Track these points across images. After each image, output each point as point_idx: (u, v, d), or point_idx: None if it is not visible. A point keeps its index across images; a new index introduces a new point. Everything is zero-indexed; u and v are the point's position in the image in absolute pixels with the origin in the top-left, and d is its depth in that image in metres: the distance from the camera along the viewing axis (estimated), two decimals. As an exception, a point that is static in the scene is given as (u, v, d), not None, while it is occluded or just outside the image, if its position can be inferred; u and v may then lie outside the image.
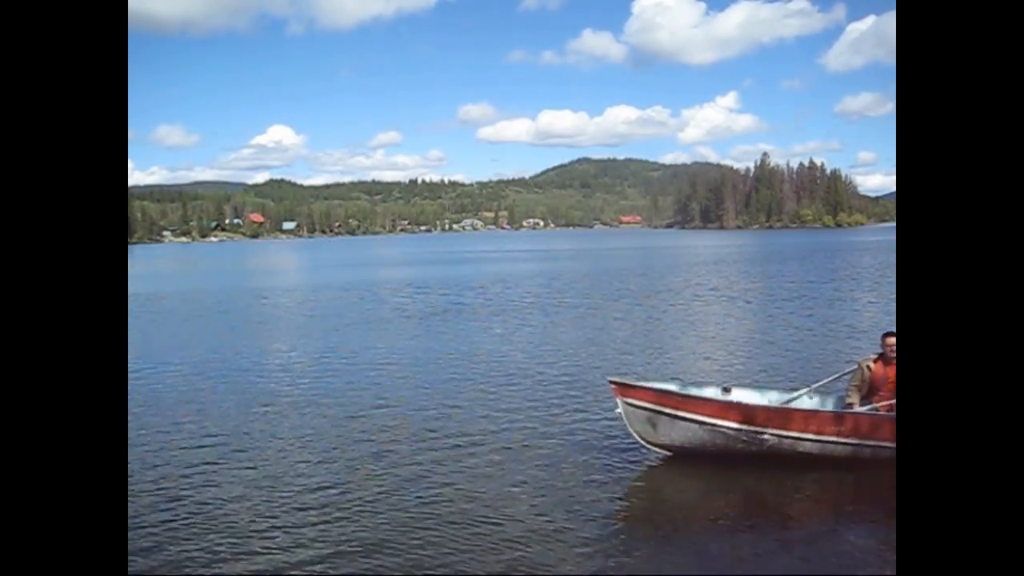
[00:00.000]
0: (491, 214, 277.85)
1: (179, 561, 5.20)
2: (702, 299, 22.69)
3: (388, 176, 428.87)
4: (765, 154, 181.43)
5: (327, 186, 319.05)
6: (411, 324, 18.21)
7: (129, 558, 5.03)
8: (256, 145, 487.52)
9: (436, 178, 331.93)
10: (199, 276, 43.95)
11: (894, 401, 6.74)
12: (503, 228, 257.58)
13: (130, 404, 9.02)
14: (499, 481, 6.60)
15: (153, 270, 51.96)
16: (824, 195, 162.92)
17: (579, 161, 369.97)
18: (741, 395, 7.58)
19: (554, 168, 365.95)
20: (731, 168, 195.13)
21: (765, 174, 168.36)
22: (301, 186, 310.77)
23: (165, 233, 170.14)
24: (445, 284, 31.27)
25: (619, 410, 6.98)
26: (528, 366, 12.11)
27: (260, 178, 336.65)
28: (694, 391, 7.33)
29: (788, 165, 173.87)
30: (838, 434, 6.62)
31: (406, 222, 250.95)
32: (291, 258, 71.87)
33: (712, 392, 7.56)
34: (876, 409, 6.87)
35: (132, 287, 22.88)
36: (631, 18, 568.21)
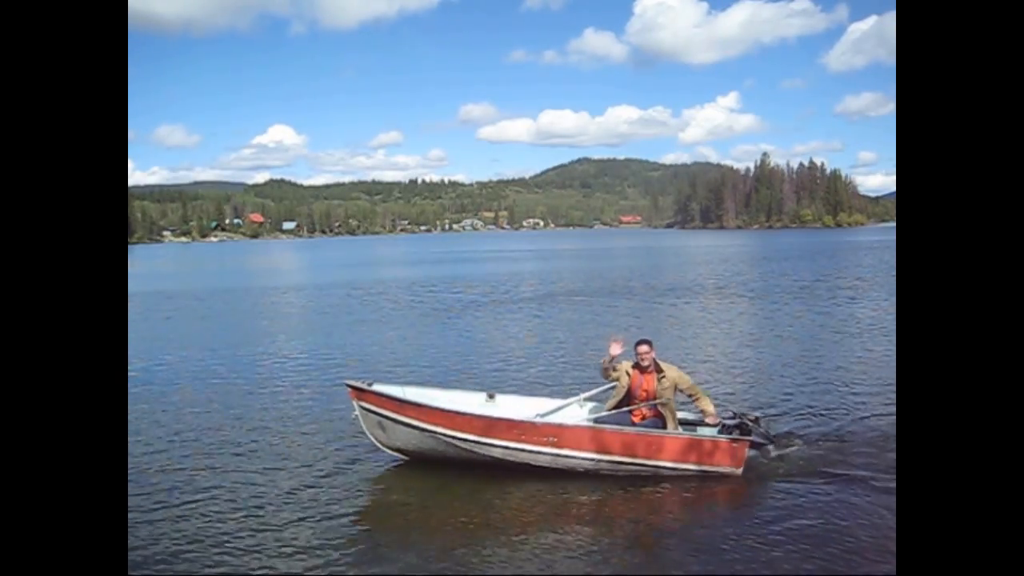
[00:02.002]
0: (491, 214, 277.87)
1: (179, 561, 5.20)
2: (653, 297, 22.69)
3: (388, 176, 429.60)
4: (765, 154, 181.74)
5: (327, 186, 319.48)
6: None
7: (129, 558, 5.03)
8: (257, 145, 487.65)
9: (436, 178, 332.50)
10: (199, 276, 43.92)
11: (649, 405, 6.83)
12: (503, 228, 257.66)
13: (130, 404, 9.02)
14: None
15: (153, 270, 51.95)
16: (824, 195, 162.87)
17: (579, 161, 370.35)
18: (504, 402, 7.60)
19: (554, 168, 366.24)
20: (731, 168, 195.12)
21: (765, 174, 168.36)
22: (301, 186, 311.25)
23: (165, 233, 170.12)
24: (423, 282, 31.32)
25: (356, 413, 7.02)
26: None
27: (260, 178, 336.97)
28: (428, 397, 7.25)
29: (788, 165, 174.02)
30: (544, 444, 6.55)
31: (406, 222, 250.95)
32: (292, 258, 71.89)
33: (474, 398, 7.59)
34: (632, 413, 6.91)
35: (132, 287, 22.84)
36: (633, 18, 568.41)
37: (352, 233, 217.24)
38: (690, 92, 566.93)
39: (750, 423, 6.90)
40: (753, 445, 6.81)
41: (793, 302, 21.20)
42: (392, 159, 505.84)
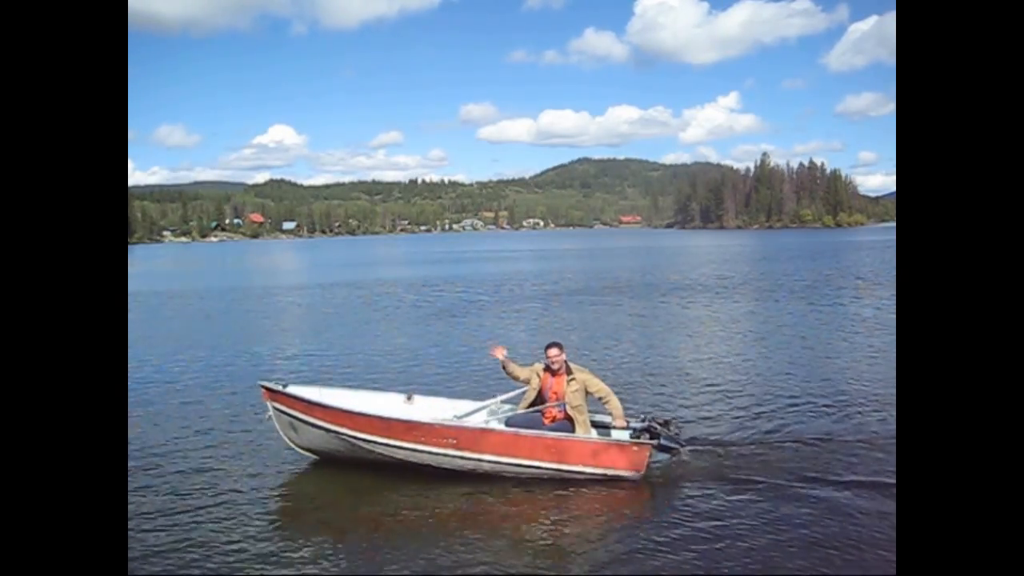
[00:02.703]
0: (491, 214, 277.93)
1: (179, 561, 5.20)
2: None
3: (389, 176, 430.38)
4: (765, 154, 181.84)
5: (327, 186, 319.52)
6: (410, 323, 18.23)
7: (129, 559, 5.03)
8: (257, 145, 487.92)
9: (436, 178, 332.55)
10: (199, 276, 43.92)
11: (559, 407, 6.86)
12: (503, 228, 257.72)
13: (130, 404, 9.01)
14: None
15: (153, 270, 51.97)
16: (824, 195, 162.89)
17: (579, 161, 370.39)
18: (422, 404, 7.66)
19: (554, 168, 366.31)
20: (731, 168, 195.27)
21: (765, 174, 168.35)
22: (301, 186, 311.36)
23: (165, 233, 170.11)
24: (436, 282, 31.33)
25: (269, 414, 7.08)
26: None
27: (260, 178, 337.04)
28: (341, 398, 7.29)
29: (788, 165, 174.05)
30: (444, 446, 6.59)
31: (406, 222, 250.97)
32: (294, 258, 71.92)
33: (393, 399, 7.67)
34: (543, 414, 6.93)
35: (132, 287, 22.85)
36: (634, 18, 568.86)
37: (352, 233, 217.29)
38: (691, 92, 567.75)
39: (659, 427, 6.91)
40: (664, 449, 6.86)
41: (783, 301, 21.21)
42: (392, 159, 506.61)
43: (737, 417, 8.66)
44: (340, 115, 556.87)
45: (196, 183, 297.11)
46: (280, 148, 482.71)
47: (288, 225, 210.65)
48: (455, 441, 6.57)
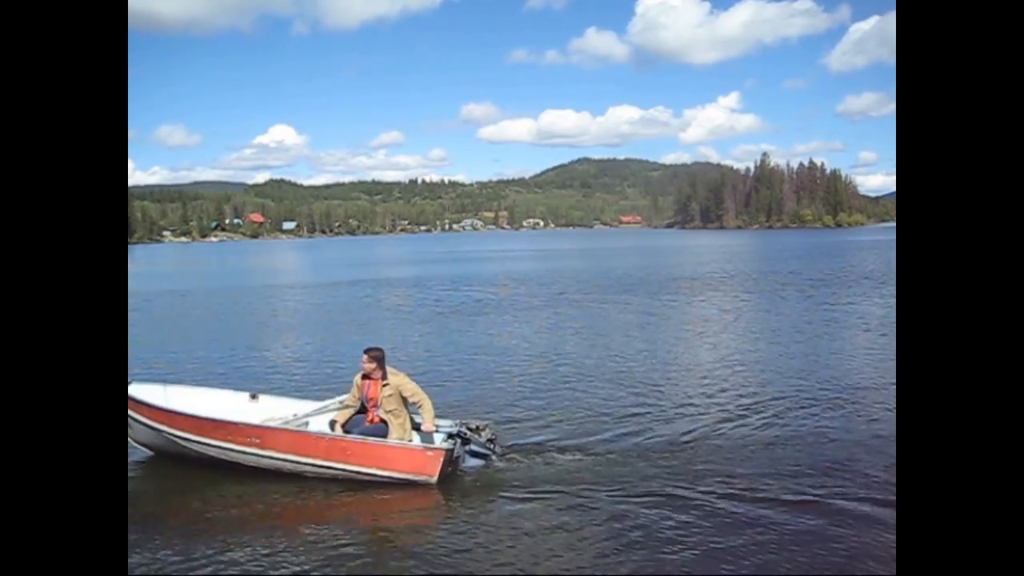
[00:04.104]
0: (491, 214, 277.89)
1: (179, 561, 5.20)
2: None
3: (390, 176, 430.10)
4: (765, 154, 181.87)
5: (327, 186, 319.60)
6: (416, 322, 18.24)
7: (129, 558, 5.03)
8: (258, 145, 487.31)
9: (436, 178, 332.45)
10: (199, 276, 43.93)
11: (377, 412, 6.94)
12: (503, 228, 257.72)
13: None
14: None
15: (153, 270, 51.97)
16: (824, 195, 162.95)
17: (579, 161, 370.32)
18: (266, 403, 7.81)
19: (554, 168, 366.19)
20: (731, 168, 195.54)
21: (765, 174, 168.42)
22: (301, 186, 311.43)
23: (165, 233, 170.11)
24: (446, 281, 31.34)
25: None
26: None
27: (260, 178, 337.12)
28: (177, 396, 7.45)
29: (788, 165, 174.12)
30: (248, 444, 6.72)
31: (406, 222, 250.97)
32: (295, 258, 71.96)
33: (237, 398, 7.80)
34: (366, 417, 7.00)
35: (132, 286, 22.84)
36: (635, 18, 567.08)
37: (352, 233, 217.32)
38: (691, 92, 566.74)
39: (470, 432, 7.00)
40: (476, 455, 7.00)
41: (759, 298, 21.21)
42: (393, 159, 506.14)
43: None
44: (341, 115, 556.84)
45: (196, 183, 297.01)
46: (280, 148, 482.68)
47: (288, 225, 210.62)
48: (258, 441, 6.73)
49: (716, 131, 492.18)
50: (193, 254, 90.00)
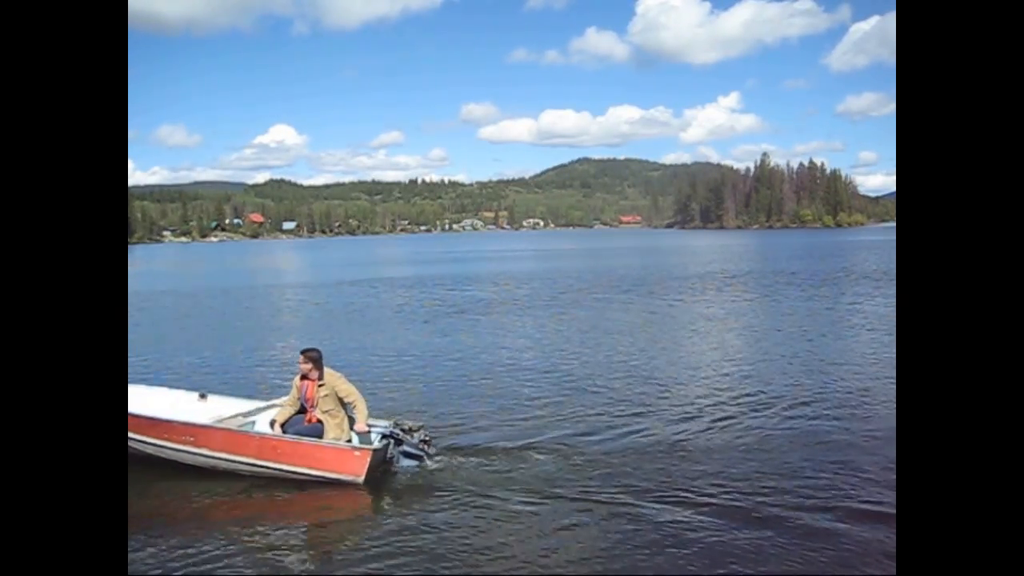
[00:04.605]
0: (491, 214, 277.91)
1: (179, 561, 5.20)
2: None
3: (390, 176, 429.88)
4: (765, 154, 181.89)
5: (327, 186, 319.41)
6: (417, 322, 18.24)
7: (129, 558, 5.03)
8: (258, 145, 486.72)
9: (436, 178, 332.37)
10: (199, 276, 43.93)
11: (316, 411, 6.99)
12: (503, 228, 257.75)
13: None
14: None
15: (153, 270, 51.98)
16: (824, 195, 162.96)
17: (579, 161, 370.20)
18: (214, 402, 7.92)
19: (554, 168, 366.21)
20: (731, 168, 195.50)
21: (765, 174, 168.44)
22: (301, 186, 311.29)
23: (165, 233, 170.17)
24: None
25: None
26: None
27: (260, 178, 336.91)
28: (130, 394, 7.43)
29: (788, 165, 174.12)
30: (183, 443, 6.81)
31: (406, 222, 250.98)
32: (297, 258, 72.00)
33: (185, 397, 7.91)
34: (305, 417, 7.05)
35: (132, 286, 22.85)
36: (635, 18, 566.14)
37: (352, 233, 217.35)
38: (692, 92, 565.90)
39: (402, 433, 7.07)
40: (409, 456, 7.05)
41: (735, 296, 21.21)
42: (393, 159, 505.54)
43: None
44: (341, 115, 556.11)
45: (196, 183, 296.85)
46: (281, 148, 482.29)
47: (288, 225, 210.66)
48: (192, 439, 6.80)
49: (716, 131, 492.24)
50: (192, 254, 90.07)
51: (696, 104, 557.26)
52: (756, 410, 9.03)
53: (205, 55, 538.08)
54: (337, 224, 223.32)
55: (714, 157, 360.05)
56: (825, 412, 8.90)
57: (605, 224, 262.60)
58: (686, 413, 8.98)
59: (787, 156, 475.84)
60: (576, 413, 9.08)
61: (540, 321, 18.36)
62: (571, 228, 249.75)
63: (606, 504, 6.12)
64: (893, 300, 19.04)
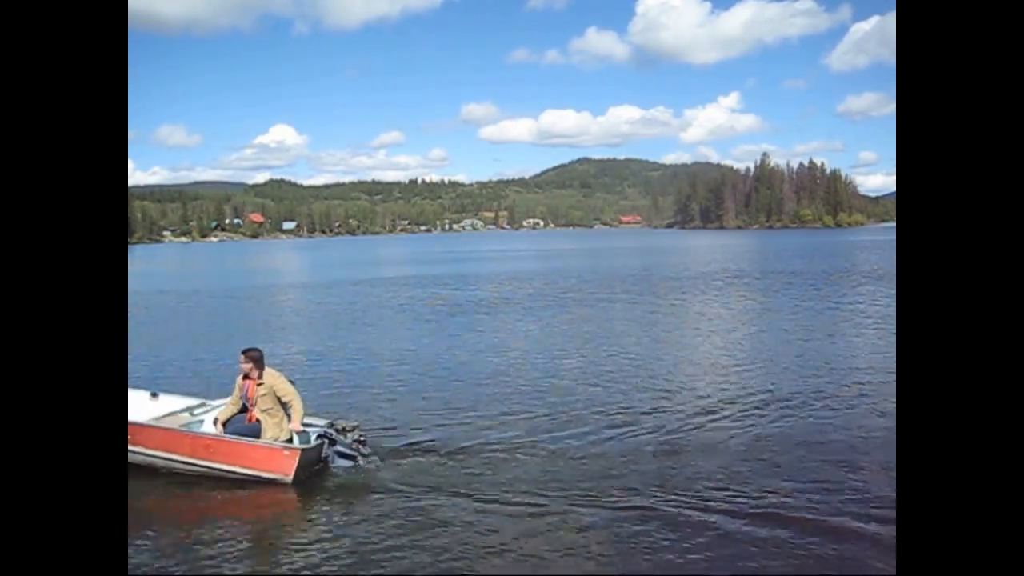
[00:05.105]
0: (491, 214, 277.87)
1: (179, 561, 5.20)
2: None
3: (390, 176, 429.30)
4: (765, 154, 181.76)
5: (327, 186, 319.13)
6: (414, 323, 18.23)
7: (129, 558, 5.03)
8: (258, 145, 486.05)
9: (436, 178, 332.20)
10: (199, 276, 43.94)
11: (254, 413, 7.07)
12: (503, 228, 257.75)
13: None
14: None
15: (153, 270, 51.99)
16: (824, 195, 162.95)
17: (579, 161, 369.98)
18: (166, 401, 8.02)
19: (554, 168, 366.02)
20: (731, 168, 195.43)
21: (765, 174, 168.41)
22: (301, 186, 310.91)
23: (165, 233, 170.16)
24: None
25: None
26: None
27: (260, 178, 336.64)
28: None
29: (788, 165, 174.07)
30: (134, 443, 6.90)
31: (406, 222, 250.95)
32: (298, 258, 71.97)
33: (138, 396, 7.91)
34: (247, 415, 7.13)
35: (132, 286, 22.85)
36: (635, 18, 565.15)
37: (352, 233, 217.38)
38: (692, 92, 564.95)
39: (336, 433, 7.19)
40: (343, 456, 7.15)
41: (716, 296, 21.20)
42: (393, 159, 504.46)
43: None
44: (341, 115, 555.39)
45: (196, 183, 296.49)
46: (281, 148, 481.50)
47: (288, 225, 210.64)
48: (129, 437, 6.81)
49: (716, 131, 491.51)
50: (192, 254, 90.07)
51: (696, 104, 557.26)
52: (752, 409, 9.03)
53: (205, 55, 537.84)
54: (337, 224, 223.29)
55: (714, 157, 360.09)
56: (825, 411, 8.90)
57: (605, 224, 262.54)
58: (618, 421, 8.81)
59: (787, 156, 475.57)
60: (530, 414, 9.07)
61: (523, 322, 18.37)
62: (571, 228, 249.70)
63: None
64: (893, 300, 19.04)
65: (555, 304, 22.17)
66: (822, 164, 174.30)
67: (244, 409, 7.22)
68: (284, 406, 7.11)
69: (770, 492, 6.31)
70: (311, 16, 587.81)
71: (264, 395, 7.08)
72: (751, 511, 5.92)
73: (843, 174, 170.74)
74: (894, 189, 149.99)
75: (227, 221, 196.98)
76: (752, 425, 8.39)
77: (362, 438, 7.28)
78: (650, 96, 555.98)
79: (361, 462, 7.11)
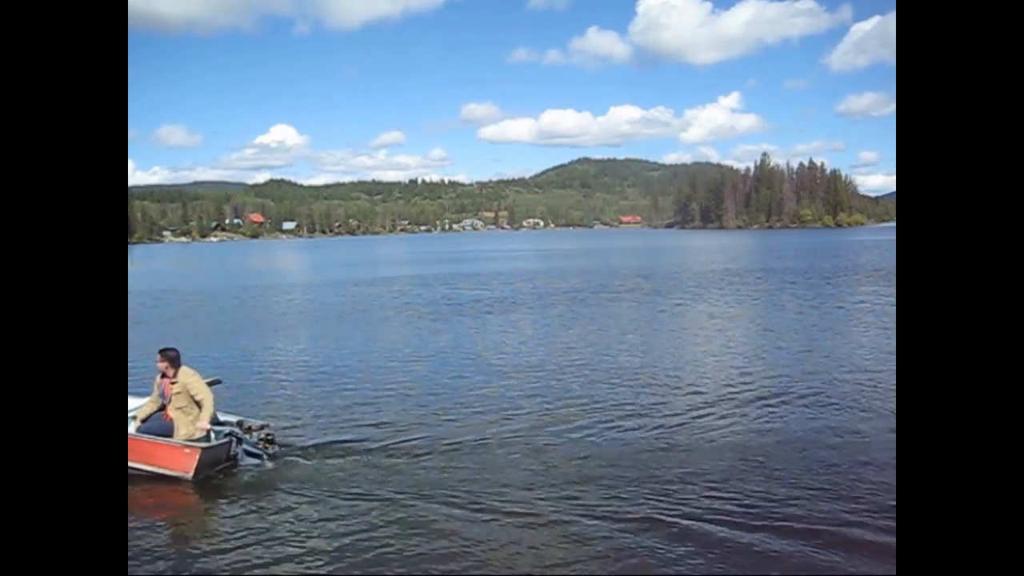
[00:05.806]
0: (491, 214, 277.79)
1: (179, 561, 5.20)
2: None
3: (390, 176, 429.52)
4: (765, 154, 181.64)
5: (327, 186, 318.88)
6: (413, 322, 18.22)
7: (129, 559, 5.03)
8: (258, 145, 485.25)
9: (437, 178, 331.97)
10: (199, 276, 43.92)
11: (169, 411, 7.18)
12: (503, 228, 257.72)
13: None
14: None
15: (153, 270, 51.98)
16: (824, 195, 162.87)
17: (579, 161, 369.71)
18: None
19: (554, 168, 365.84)
20: (731, 168, 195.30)
21: (765, 174, 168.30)
22: (301, 186, 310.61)
23: (165, 233, 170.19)
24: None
25: None
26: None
27: (261, 178, 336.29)
28: None
29: (788, 165, 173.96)
30: None
31: (406, 222, 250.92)
32: (298, 258, 71.94)
33: None
34: (163, 413, 7.24)
35: (132, 286, 22.85)
36: (636, 18, 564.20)
37: (352, 233, 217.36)
38: (692, 92, 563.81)
39: (242, 432, 7.34)
40: (250, 454, 7.28)
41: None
42: (393, 159, 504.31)
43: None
44: (342, 115, 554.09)
45: (196, 183, 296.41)
46: (281, 148, 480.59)
47: (288, 225, 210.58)
48: None
49: (717, 131, 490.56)
50: (192, 254, 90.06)
51: (696, 104, 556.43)
52: (753, 410, 9.03)
53: (206, 55, 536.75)
54: (337, 224, 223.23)
55: (714, 157, 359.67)
56: (824, 411, 8.91)
57: (605, 224, 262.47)
58: (613, 416, 8.93)
59: (787, 156, 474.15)
60: (519, 411, 9.11)
61: (523, 323, 18.38)
62: (571, 228, 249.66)
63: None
64: (893, 299, 19.04)
65: (555, 304, 22.17)
66: (822, 164, 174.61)
67: (163, 407, 7.34)
68: (198, 404, 7.22)
69: (770, 494, 6.31)
70: (312, 16, 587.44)
71: (178, 394, 7.22)
72: (748, 517, 5.92)
73: (843, 174, 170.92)
74: (894, 189, 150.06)
75: (227, 221, 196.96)
76: (753, 424, 8.39)
77: (270, 436, 7.44)
78: (650, 96, 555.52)
79: (267, 461, 7.24)
